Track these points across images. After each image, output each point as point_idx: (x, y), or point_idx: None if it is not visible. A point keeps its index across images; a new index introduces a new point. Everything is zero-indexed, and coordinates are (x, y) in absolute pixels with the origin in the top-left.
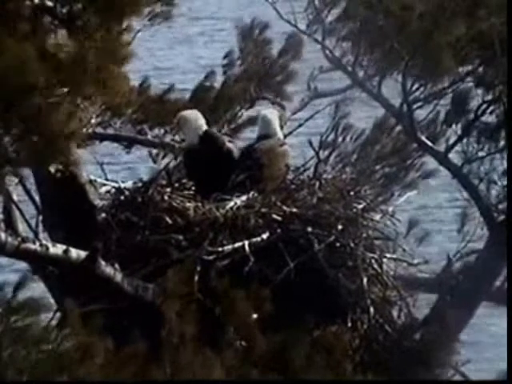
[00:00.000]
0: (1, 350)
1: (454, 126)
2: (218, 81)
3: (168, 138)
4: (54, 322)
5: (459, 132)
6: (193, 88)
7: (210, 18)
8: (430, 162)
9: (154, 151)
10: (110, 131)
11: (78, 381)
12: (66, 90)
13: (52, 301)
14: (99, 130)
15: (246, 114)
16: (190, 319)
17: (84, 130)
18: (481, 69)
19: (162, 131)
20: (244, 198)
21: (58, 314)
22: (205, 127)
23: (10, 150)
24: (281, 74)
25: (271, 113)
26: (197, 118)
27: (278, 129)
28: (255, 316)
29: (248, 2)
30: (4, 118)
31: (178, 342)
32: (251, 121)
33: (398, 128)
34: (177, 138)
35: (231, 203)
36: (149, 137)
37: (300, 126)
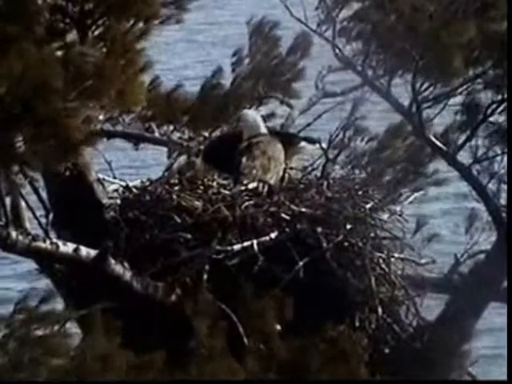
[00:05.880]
0: (22, 356)
1: (463, 126)
2: (228, 79)
3: (175, 136)
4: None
5: (468, 132)
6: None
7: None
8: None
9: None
10: (119, 128)
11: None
12: (84, 96)
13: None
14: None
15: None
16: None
17: (96, 128)
18: (491, 70)
19: (171, 128)
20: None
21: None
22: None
23: (22, 151)
24: (289, 73)
25: (252, 114)
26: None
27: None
28: (279, 327)
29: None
30: (20, 119)
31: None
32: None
33: (410, 130)
34: (184, 136)
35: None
36: (156, 134)
37: (308, 125)
